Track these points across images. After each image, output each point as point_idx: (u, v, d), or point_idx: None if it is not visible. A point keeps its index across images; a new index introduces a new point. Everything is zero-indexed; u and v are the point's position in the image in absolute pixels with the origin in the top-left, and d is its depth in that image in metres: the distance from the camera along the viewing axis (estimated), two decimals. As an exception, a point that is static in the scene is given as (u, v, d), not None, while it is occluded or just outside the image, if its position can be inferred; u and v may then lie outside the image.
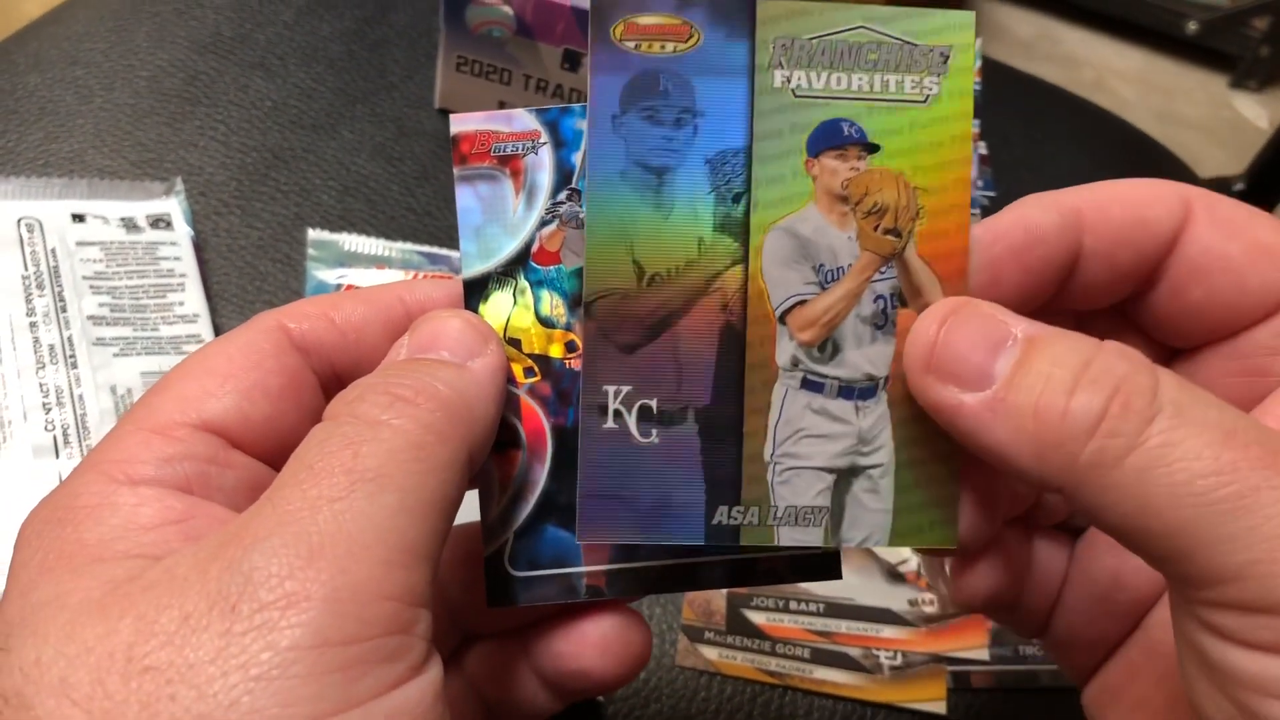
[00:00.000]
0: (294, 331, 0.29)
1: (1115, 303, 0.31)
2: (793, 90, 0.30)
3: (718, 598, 0.47)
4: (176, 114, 0.58)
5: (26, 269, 0.48)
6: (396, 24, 0.64)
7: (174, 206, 0.53)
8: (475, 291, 0.31)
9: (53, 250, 0.49)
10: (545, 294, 0.31)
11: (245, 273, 0.53)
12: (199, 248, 0.52)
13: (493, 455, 0.30)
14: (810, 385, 0.30)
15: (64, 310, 0.47)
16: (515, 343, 0.31)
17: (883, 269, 0.30)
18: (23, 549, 0.25)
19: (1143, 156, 0.68)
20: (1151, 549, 0.24)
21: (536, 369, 0.31)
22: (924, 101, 0.30)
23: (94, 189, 0.52)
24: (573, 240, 0.31)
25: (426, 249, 0.54)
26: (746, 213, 0.30)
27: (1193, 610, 0.24)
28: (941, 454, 0.30)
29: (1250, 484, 0.23)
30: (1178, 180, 0.31)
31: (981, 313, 0.27)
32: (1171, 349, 0.32)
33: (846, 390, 0.30)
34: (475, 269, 0.31)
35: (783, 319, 0.30)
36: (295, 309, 0.30)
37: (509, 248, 0.31)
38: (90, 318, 0.47)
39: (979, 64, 0.62)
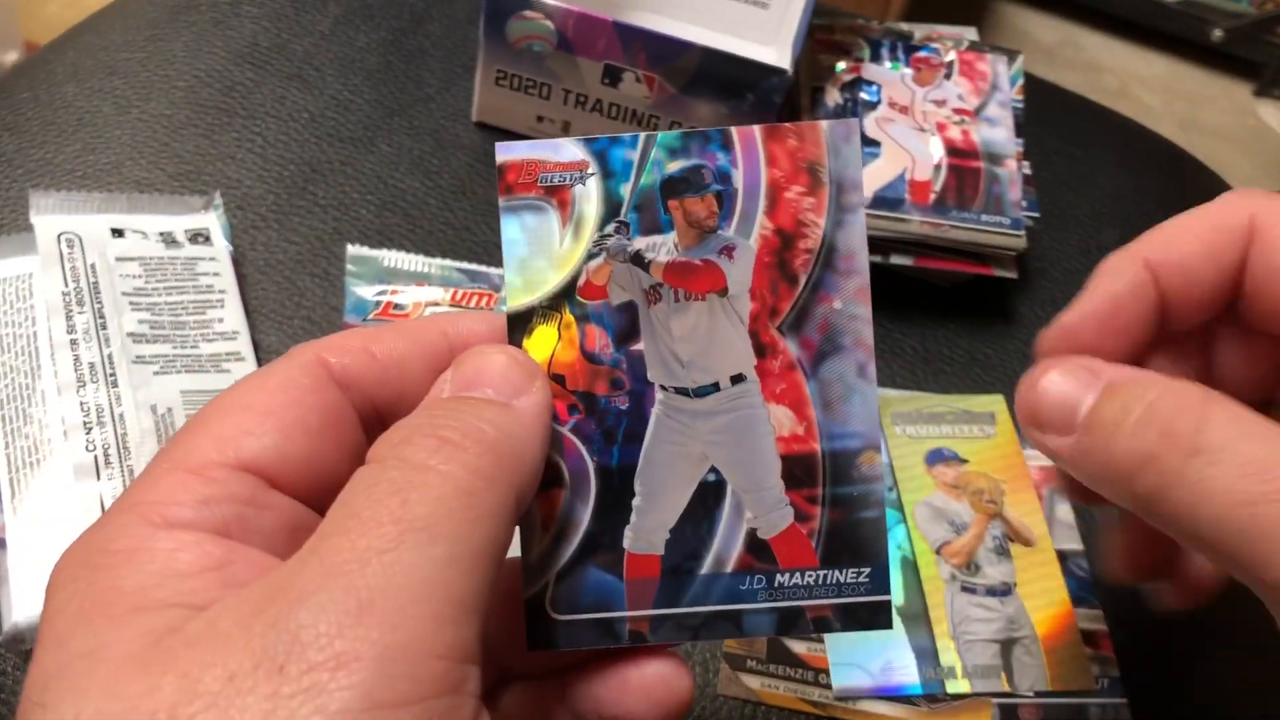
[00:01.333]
0: (334, 366, 0.28)
1: (1218, 314, 0.35)
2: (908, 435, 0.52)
3: (760, 626, 0.46)
4: (214, 125, 0.57)
5: (67, 285, 0.47)
6: (432, 34, 0.64)
7: (213, 221, 0.52)
8: (519, 325, 0.30)
9: (92, 266, 0.48)
10: (591, 329, 0.31)
11: (284, 288, 0.52)
12: (237, 263, 0.52)
13: (535, 495, 0.30)
14: (967, 589, 0.48)
15: (104, 327, 0.47)
16: (560, 379, 0.31)
17: (990, 525, 0.49)
18: (56, 595, 0.24)
19: (1183, 175, 0.67)
20: (1213, 560, 0.30)
21: (581, 406, 0.31)
22: (986, 438, 0.52)
23: (133, 203, 0.51)
24: (620, 275, 0.31)
25: (466, 265, 0.54)
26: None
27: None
28: (1068, 628, 0.47)
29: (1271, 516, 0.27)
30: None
31: (1068, 367, 0.32)
32: None
33: (990, 591, 0.48)
34: (520, 302, 0.30)
35: (939, 551, 0.48)
36: (334, 342, 0.29)
37: (555, 281, 0.31)
38: (130, 335, 0.47)
39: (1021, 81, 0.62)
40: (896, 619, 0.47)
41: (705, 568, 0.31)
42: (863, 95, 0.60)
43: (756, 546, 0.31)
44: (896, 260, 0.55)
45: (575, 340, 0.31)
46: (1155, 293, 0.33)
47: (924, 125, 0.58)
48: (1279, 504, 0.27)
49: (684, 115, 0.58)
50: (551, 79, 0.58)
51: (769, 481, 0.31)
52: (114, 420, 0.45)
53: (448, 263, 0.54)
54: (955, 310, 0.57)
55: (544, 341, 0.31)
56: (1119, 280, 0.34)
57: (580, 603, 0.30)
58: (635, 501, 0.31)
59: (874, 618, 0.31)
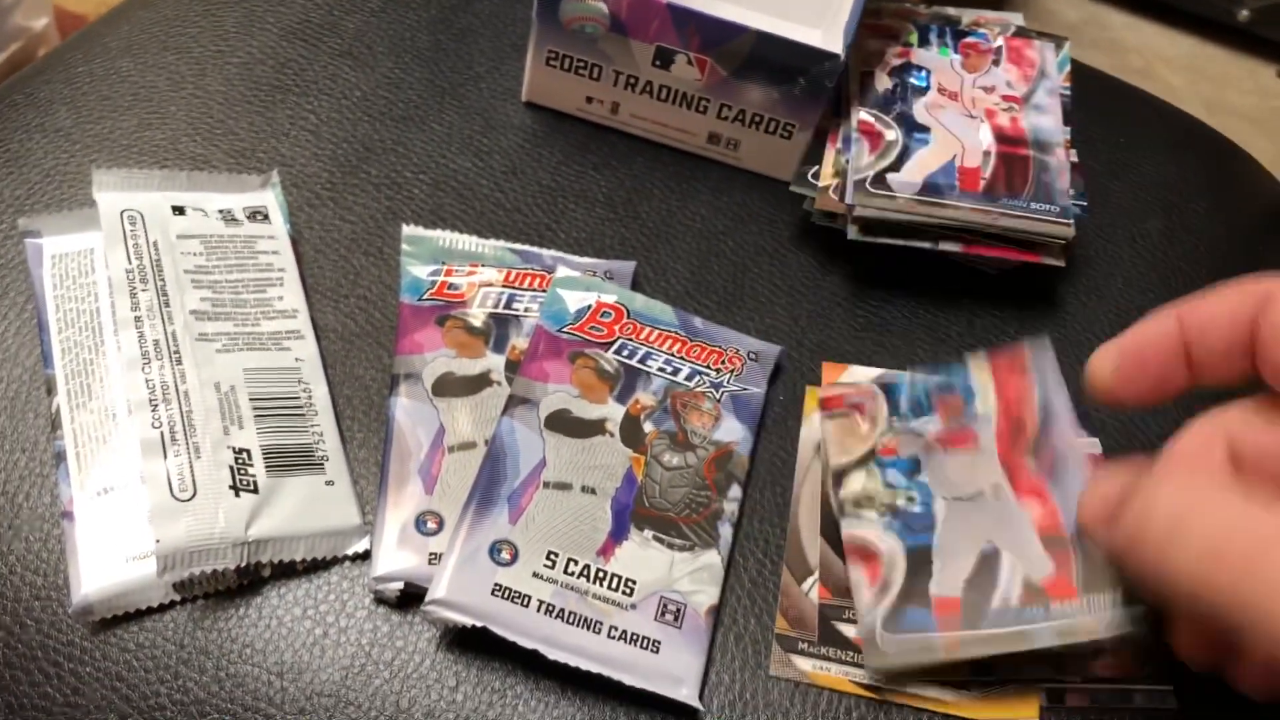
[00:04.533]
0: None
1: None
2: None
3: (810, 610, 0.47)
4: (268, 102, 0.58)
5: (130, 263, 0.48)
6: (481, 13, 0.64)
7: (270, 199, 0.53)
8: (841, 475, 0.49)
9: (154, 243, 0.49)
10: (891, 471, 0.48)
11: (340, 267, 0.53)
12: (294, 241, 0.52)
13: (859, 562, 0.46)
14: None
15: (166, 305, 0.47)
16: (871, 499, 0.47)
17: None
18: None
19: (1229, 165, 0.67)
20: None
21: (890, 511, 0.47)
22: None
23: (193, 181, 0.52)
24: (904, 441, 0.49)
25: (519, 246, 0.54)
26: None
27: None
28: None
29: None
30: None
31: (1106, 474, 0.42)
32: None
33: None
34: (841, 461, 0.49)
35: None
36: None
37: (861, 449, 0.49)
38: (193, 312, 0.47)
39: (1068, 69, 0.62)
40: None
41: (995, 603, 0.44)
42: (912, 80, 0.60)
43: (1031, 586, 0.44)
44: (945, 247, 0.55)
45: (879, 477, 0.48)
46: (1179, 340, 0.40)
47: (973, 112, 0.59)
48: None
49: (734, 99, 0.58)
50: (603, 60, 0.58)
51: (1033, 549, 0.45)
52: (179, 398, 0.45)
53: (501, 244, 0.54)
54: (1001, 297, 0.58)
55: (858, 480, 0.48)
56: (1151, 324, 0.41)
57: (902, 627, 0.44)
58: (935, 566, 0.45)
59: (1124, 626, 0.43)
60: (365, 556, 0.45)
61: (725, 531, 0.47)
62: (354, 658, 0.43)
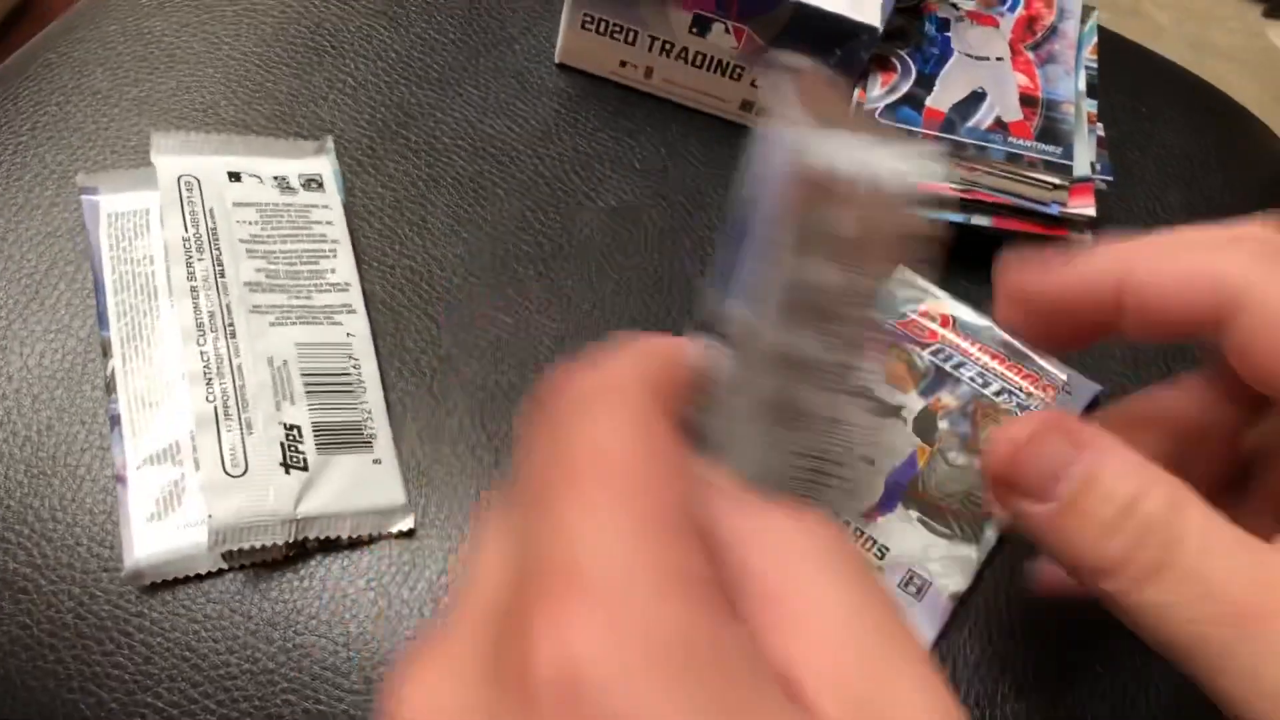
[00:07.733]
0: None
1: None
2: None
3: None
4: (305, 64, 0.57)
5: (186, 230, 0.48)
6: (511, -30, 0.64)
7: (325, 166, 0.53)
8: None
9: (211, 210, 0.49)
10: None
11: (385, 236, 0.53)
12: (346, 210, 0.52)
13: (879, 71, 0.55)
14: None
15: (222, 275, 0.48)
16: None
17: None
18: None
19: (1248, 136, 0.68)
20: (1177, 662, 0.30)
21: None
22: None
23: (249, 146, 0.52)
24: None
25: (1015, 343, 0.53)
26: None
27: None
28: None
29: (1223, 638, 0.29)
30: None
31: (1047, 431, 0.33)
32: None
33: None
34: None
35: None
36: None
37: None
38: (247, 284, 0.48)
39: (1095, 40, 0.62)
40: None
41: (969, 123, 0.57)
42: (928, 23, 0.62)
43: (1000, 122, 0.56)
44: (977, 221, 0.56)
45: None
46: (1115, 300, 0.34)
47: (985, 53, 0.61)
48: (1229, 627, 0.29)
49: (769, 68, 0.58)
50: (639, 25, 0.58)
51: (1011, 101, 0.57)
52: (232, 372, 0.46)
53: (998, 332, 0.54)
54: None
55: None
56: (1089, 265, 0.34)
57: (896, 118, 0.57)
58: (935, 89, 0.59)
59: None
60: (409, 535, 0.46)
61: (990, 535, 0.48)
62: (417, 629, 0.45)
